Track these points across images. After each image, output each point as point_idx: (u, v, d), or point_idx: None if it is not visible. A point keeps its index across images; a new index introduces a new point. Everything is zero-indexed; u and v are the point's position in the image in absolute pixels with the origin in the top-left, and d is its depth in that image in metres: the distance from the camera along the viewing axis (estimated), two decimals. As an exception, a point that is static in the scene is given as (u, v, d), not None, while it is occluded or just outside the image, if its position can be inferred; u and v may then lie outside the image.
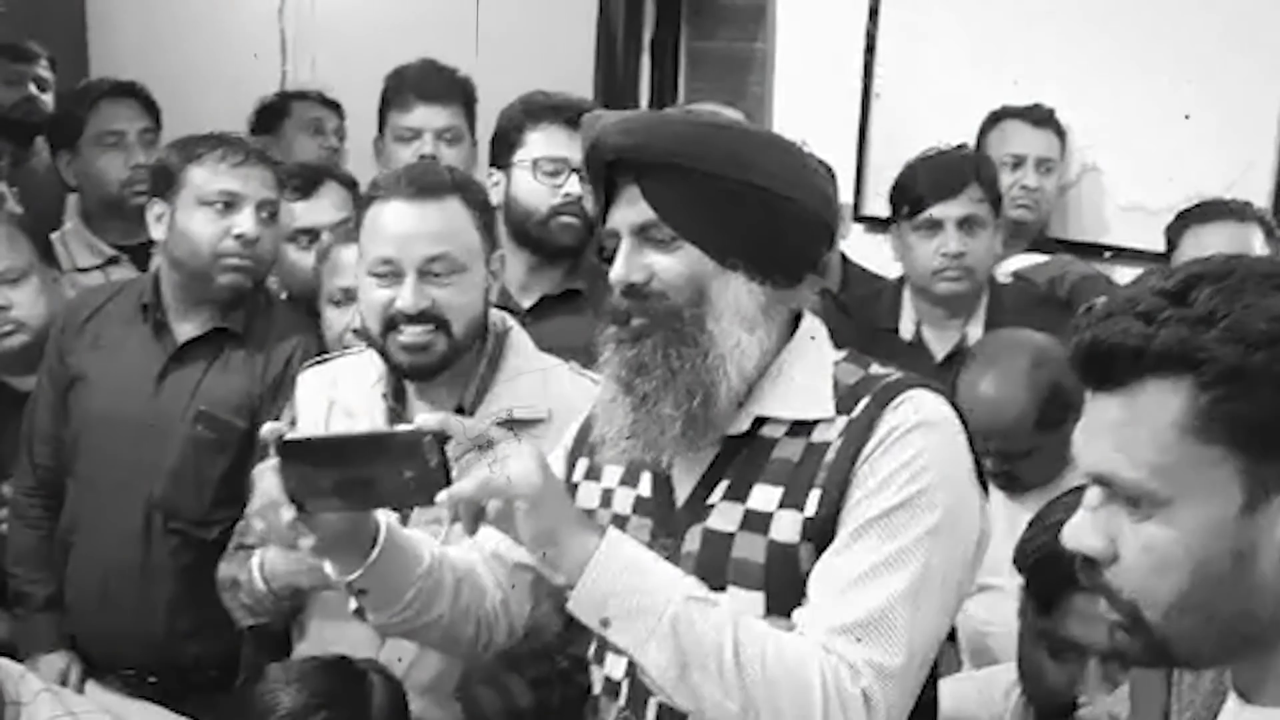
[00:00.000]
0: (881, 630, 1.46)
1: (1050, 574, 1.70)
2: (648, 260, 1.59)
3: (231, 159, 2.55)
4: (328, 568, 1.64)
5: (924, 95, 3.76)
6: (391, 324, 2.02)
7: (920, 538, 1.49)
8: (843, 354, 1.66)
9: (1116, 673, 1.70)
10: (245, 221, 2.53)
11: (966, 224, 2.80)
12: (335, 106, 3.80)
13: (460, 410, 2.06)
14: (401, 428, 1.53)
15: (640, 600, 1.45)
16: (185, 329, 2.61)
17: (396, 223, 2.04)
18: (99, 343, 2.65)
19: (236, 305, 2.60)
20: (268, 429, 1.54)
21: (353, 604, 1.68)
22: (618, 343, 1.61)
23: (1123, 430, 1.06)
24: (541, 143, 2.69)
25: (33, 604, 2.67)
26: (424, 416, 1.48)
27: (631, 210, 1.60)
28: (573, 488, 1.75)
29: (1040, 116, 3.42)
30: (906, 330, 2.92)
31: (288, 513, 1.51)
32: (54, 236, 3.20)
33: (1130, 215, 3.45)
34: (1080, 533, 1.10)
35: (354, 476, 1.48)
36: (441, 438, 1.45)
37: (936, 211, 2.81)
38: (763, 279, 1.58)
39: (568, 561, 1.48)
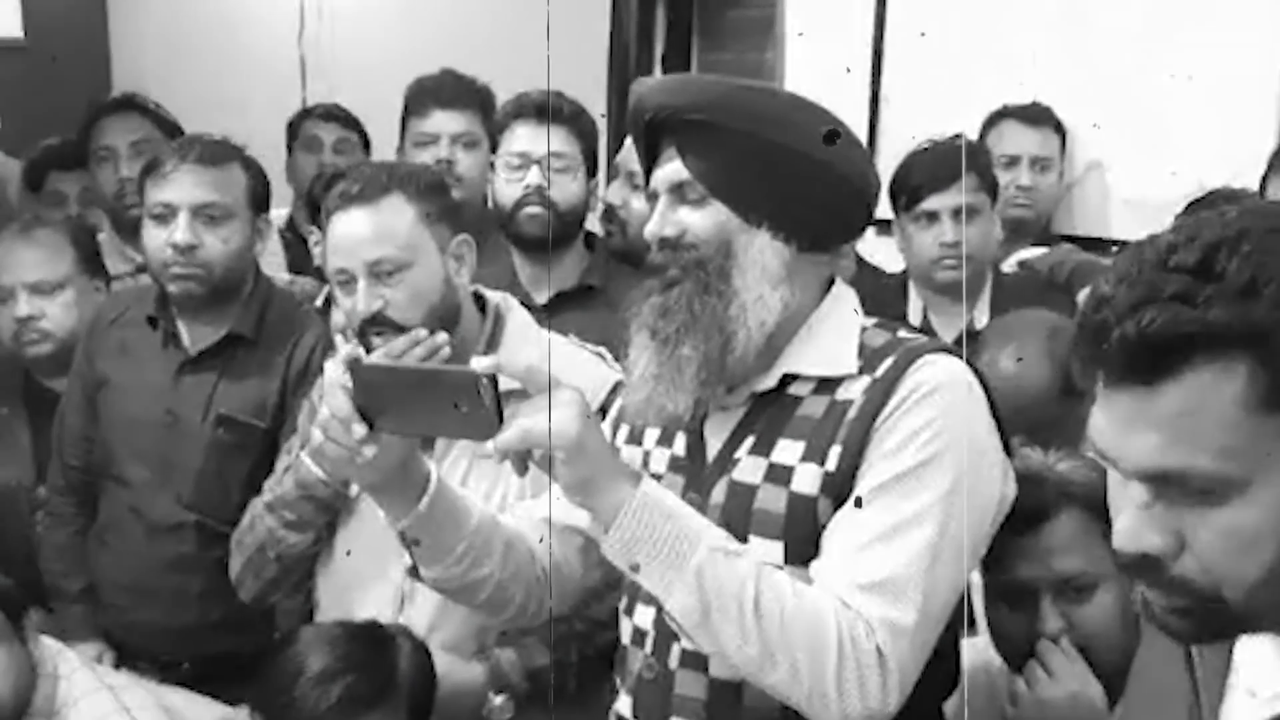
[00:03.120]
0: (896, 588, 1.50)
1: None
2: (679, 216, 1.67)
3: (161, 170, 2.57)
4: (381, 515, 1.73)
5: (932, 99, 3.81)
6: (363, 331, 2.10)
7: (937, 499, 1.53)
8: (873, 320, 1.72)
9: (1067, 606, 1.73)
10: (176, 231, 2.54)
11: (962, 213, 2.87)
12: (340, 121, 3.87)
13: None
14: (459, 367, 1.61)
15: (667, 548, 1.51)
16: (195, 336, 2.65)
17: (340, 233, 2.12)
18: (122, 348, 2.71)
19: (244, 308, 2.64)
20: (345, 351, 1.64)
21: (407, 560, 1.77)
22: (649, 293, 1.69)
23: (1180, 420, 0.99)
24: (508, 140, 2.79)
25: (66, 596, 2.73)
26: (479, 360, 1.54)
27: (668, 169, 1.68)
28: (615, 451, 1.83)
29: (1036, 115, 3.46)
30: (914, 317, 2.99)
31: (359, 428, 1.60)
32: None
33: (1134, 209, 3.48)
34: (1139, 534, 1.04)
35: (416, 405, 1.57)
36: (494, 379, 1.52)
37: (932, 203, 2.88)
38: (788, 238, 1.65)
39: (602, 508, 1.54)
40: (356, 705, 1.87)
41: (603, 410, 2.14)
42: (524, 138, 2.76)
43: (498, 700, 2.12)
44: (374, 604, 2.13)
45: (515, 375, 1.55)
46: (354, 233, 2.10)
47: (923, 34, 3.83)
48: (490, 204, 2.89)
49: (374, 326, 2.08)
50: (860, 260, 3.27)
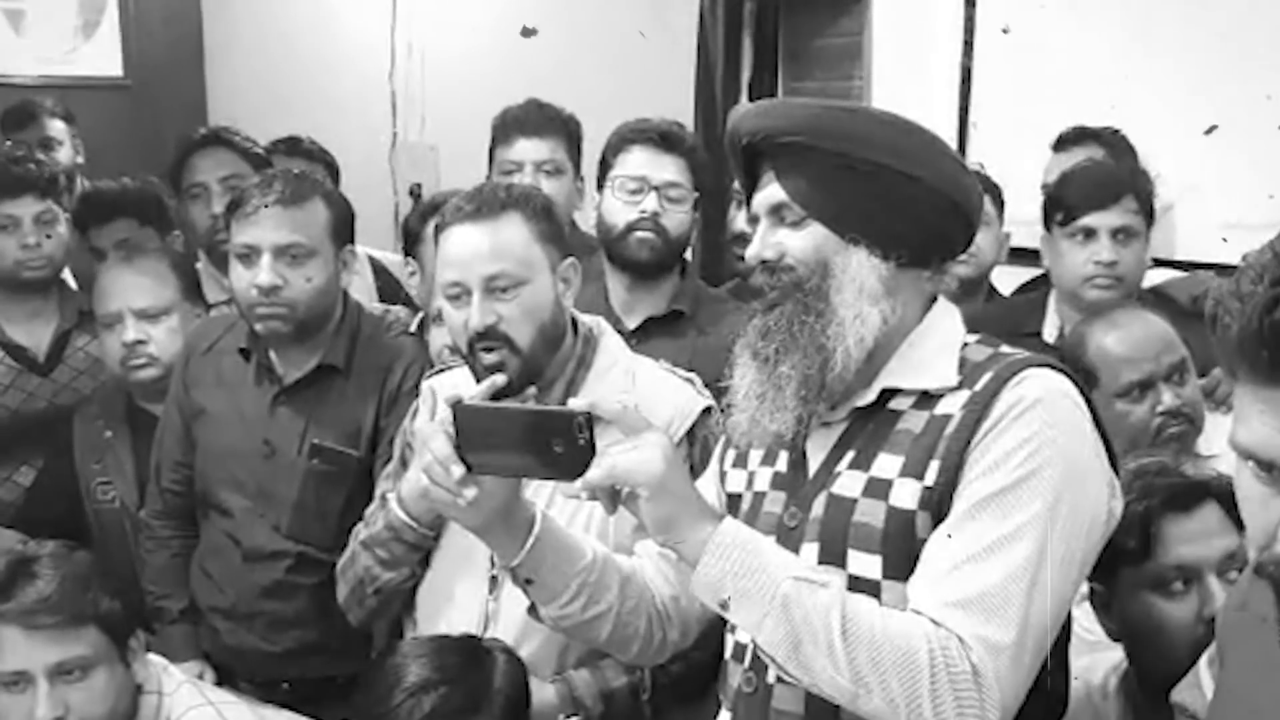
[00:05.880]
0: (994, 606, 1.49)
1: (1134, 516, 1.69)
2: (779, 238, 1.69)
3: (244, 210, 2.58)
4: (467, 539, 1.78)
5: (1020, 124, 3.80)
6: (471, 346, 2.11)
7: (1036, 516, 1.51)
8: (975, 336, 1.71)
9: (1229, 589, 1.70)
10: (261, 272, 2.55)
11: (1120, 234, 2.85)
12: (303, 155, 3.87)
13: None
14: (557, 408, 1.67)
15: (753, 582, 1.52)
16: (287, 367, 2.67)
17: (458, 246, 2.12)
18: (218, 378, 2.74)
19: (333, 339, 2.66)
20: (449, 395, 1.69)
21: (527, 601, 1.80)
22: (752, 314, 1.71)
23: None
24: (625, 163, 2.79)
25: (167, 617, 2.78)
26: (576, 400, 1.62)
27: (766, 192, 1.70)
28: (722, 475, 1.85)
29: (1072, 137, 3.43)
30: (1050, 334, 2.96)
31: (457, 469, 1.66)
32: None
33: (1231, 233, 3.44)
34: None
35: (514, 445, 1.62)
36: (590, 419, 1.57)
37: (1092, 220, 2.86)
38: (886, 255, 1.65)
39: (686, 547, 1.57)
40: (450, 716, 1.89)
41: (691, 435, 2.15)
42: (642, 163, 2.77)
43: None
44: (459, 625, 2.14)
45: (608, 415, 1.61)
46: (471, 247, 2.11)
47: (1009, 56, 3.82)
48: (596, 225, 2.90)
49: (485, 341, 2.09)
50: (991, 288, 3.27)
